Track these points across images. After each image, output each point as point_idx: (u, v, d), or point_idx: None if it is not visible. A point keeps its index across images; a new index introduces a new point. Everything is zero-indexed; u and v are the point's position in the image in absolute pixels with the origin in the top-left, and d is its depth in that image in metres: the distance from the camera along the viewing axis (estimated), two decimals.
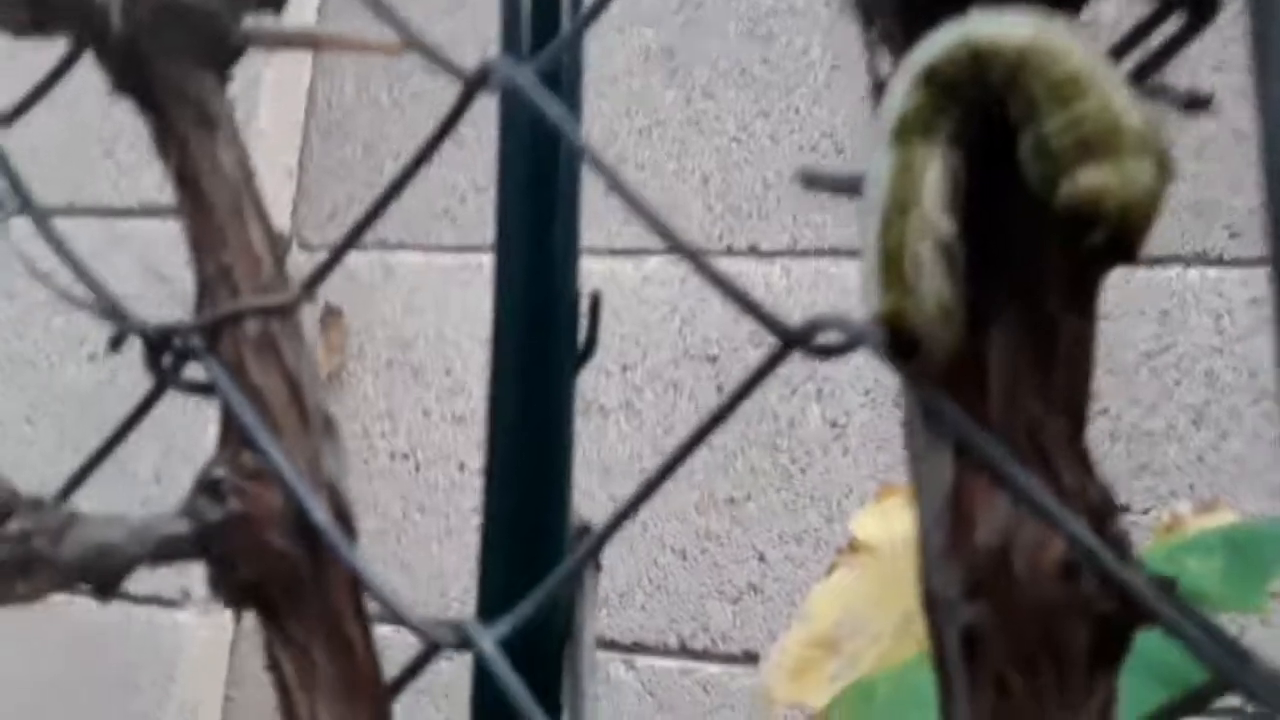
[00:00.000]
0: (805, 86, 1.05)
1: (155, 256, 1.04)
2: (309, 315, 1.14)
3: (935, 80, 0.21)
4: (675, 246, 0.26)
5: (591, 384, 1.06)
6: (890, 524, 0.66)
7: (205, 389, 0.28)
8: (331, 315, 1.11)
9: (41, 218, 0.29)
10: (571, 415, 0.37)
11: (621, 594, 1.00)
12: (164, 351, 0.28)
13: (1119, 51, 0.24)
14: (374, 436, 1.08)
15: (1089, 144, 0.19)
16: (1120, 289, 0.94)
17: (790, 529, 0.99)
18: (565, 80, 0.38)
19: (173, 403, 0.30)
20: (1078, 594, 0.20)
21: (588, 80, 1.24)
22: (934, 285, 0.21)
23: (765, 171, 1.05)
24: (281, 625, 0.26)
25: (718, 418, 0.26)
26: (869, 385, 1.00)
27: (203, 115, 0.28)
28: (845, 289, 1.02)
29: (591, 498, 1.03)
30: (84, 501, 0.29)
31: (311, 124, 1.15)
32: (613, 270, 1.06)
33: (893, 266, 0.21)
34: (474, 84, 0.28)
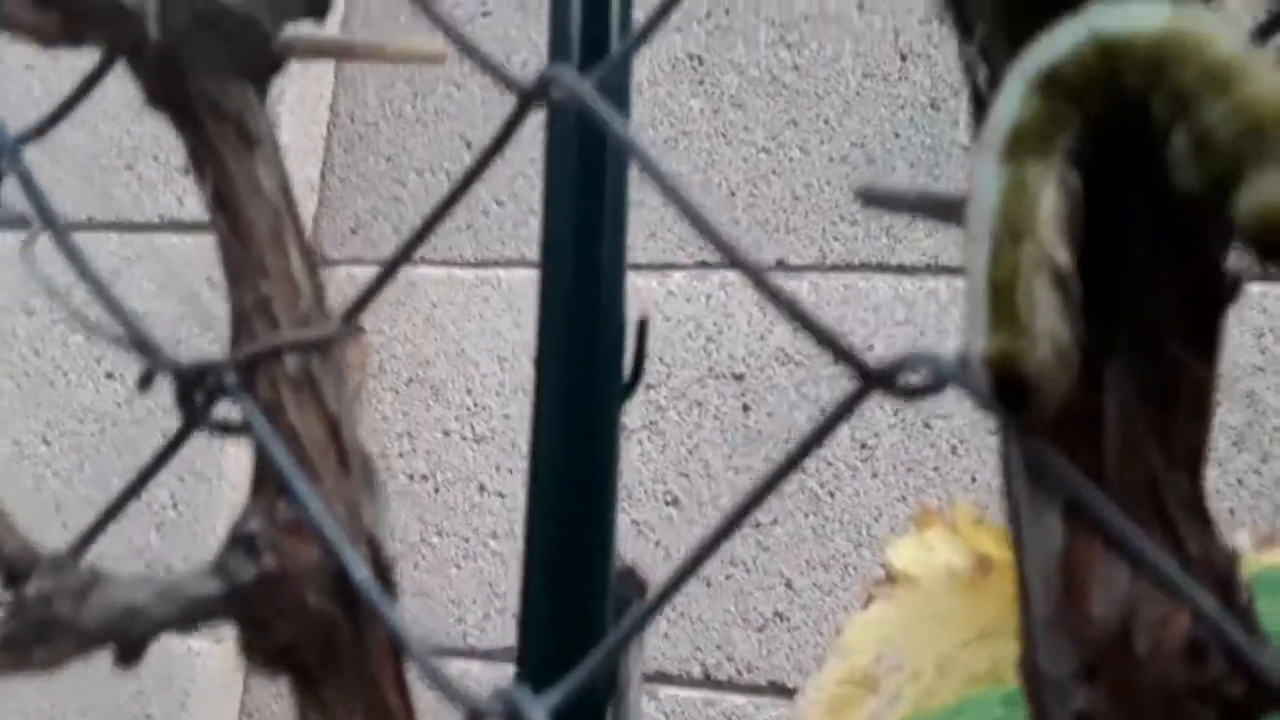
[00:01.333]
0: (836, 95, 1.03)
1: (176, 271, 1.02)
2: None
3: (1056, 86, 0.18)
4: (753, 276, 0.24)
5: None
6: (930, 554, 0.63)
7: (238, 429, 0.26)
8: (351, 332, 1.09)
9: (70, 246, 0.27)
10: (617, 447, 0.35)
11: None
12: (196, 388, 0.26)
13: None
14: (392, 457, 1.07)
15: (1263, 133, 0.16)
16: None
17: (818, 555, 0.97)
18: (613, 98, 0.36)
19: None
20: (1206, 676, 0.18)
21: None
22: (1050, 325, 0.18)
23: (794, 183, 1.04)
24: (317, 693, 0.24)
25: (784, 470, 0.24)
26: (898, 404, 0.97)
27: (243, 132, 0.26)
28: (875, 305, 1.00)
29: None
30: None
31: (334, 137, 1.14)
32: (635, 285, 1.04)
33: (1003, 302, 0.19)
34: (531, 95, 0.26)
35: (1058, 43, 0.18)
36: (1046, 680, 0.19)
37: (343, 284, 1.12)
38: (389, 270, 0.27)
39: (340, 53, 0.32)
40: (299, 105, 1.09)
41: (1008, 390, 0.19)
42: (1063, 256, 0.18)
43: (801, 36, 1.03)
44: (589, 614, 0.31)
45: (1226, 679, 0.18)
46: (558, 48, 0.37)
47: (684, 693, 0.97)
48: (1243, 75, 0.17)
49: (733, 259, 0.24)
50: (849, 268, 1.01)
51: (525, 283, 1.10)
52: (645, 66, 1.08)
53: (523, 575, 0.33)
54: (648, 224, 1.06)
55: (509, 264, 1.09)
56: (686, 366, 1.03)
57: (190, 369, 0.25)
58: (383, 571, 0.25)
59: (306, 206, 1.12)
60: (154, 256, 1.07)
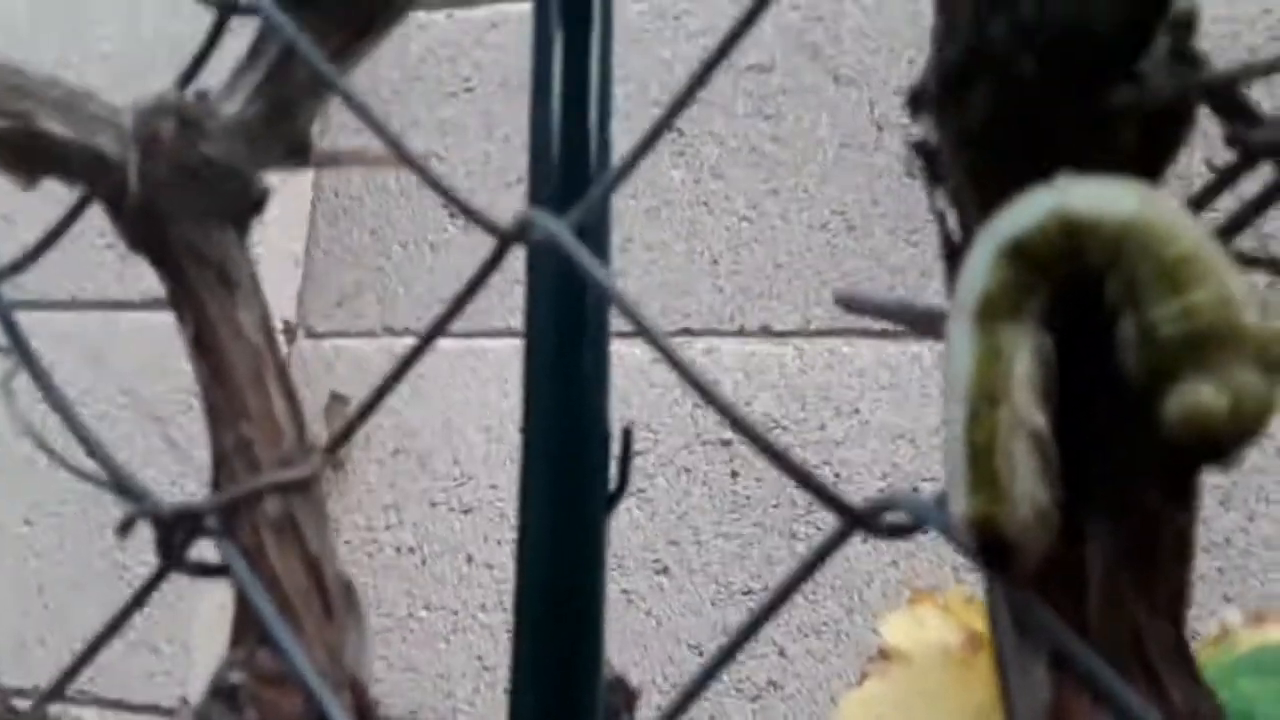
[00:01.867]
0: (814, 164, 1.04)
1: (160, 350, 1.02)
2: (314, 405, 1.12)
3: (1023, 256, 0.19)
4: (735, 422, 0.24)
5: None
6: (923, 630, 0.63)
7: (217, 571, 0.26)
8: (337, 404, 1.09)
9: (47, 383, 0.27)
10: (604, 560, 0.35)
11: None
12: (176, 531, 0.26)
13: (1196, 206, 0.22)
14: (378, 530, 1.06)
15: (1202, 342, 0.17)
16: None
17: (810, 620, 0.96)
18: (591, 225, 0.37)
19: None
20: None
21: None
22: (1028, 488, 0.19)
23: (776, 251, 1.05)
24: None
25: (777, 602, 0.24)
26: (886, 469, 0.97)
27: (224, 276, 0.27)
28: (859, 370, 1.00)
29: None
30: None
31: (318, 210, 1.14)
32: (620, 353, 1.05)
33: (982, 466, 0.19)
34: (510, 238, 0.27)
35: (1025, 213, 0.19)
36: None
37: (328, 357, 1.12)
38: (378, 395, 0.27)
39: (323, 162, 0.32)
40: (282, 181, 1.10)
41: (990, 550, 0.19)
42: (1038, 420, 0.19)
43: (779, 108, 1.05)
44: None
45: None
46: (537, 185, 0.37)
47: None
48: (1195, 278, 0.17)
49: (705, 395, 0.24)
50: (832, 333, 1.02)
51: (512, 352, 1.10)
52: (628, 139, 1.10)
53: (511, 687, 0.33)
54: (631, 292, 1.06)
55: (495, 334, 1.09)
56: (673, 433, 1.03)
57: (170, 514, 0.25)
58: (365, 714, 0.24)
59: (291, 280, 1.12)
60: (137, 335, 1.07)
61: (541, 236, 0.26)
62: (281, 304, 1.11)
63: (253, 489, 0.25)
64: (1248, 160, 0.22)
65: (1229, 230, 0.21)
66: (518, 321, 0.46)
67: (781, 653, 0.95)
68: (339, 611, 0.25)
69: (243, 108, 0.27)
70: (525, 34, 0.40)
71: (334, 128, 1.13)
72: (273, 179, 1.07)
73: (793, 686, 0.94)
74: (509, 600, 0.38)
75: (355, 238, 1.13)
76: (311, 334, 1.11)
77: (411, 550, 1.06)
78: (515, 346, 0.65)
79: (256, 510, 0.25)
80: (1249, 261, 0.22)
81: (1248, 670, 0.47)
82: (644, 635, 0.98)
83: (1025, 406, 0.19)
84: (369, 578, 1.05)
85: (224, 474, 0.26)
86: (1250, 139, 0.21)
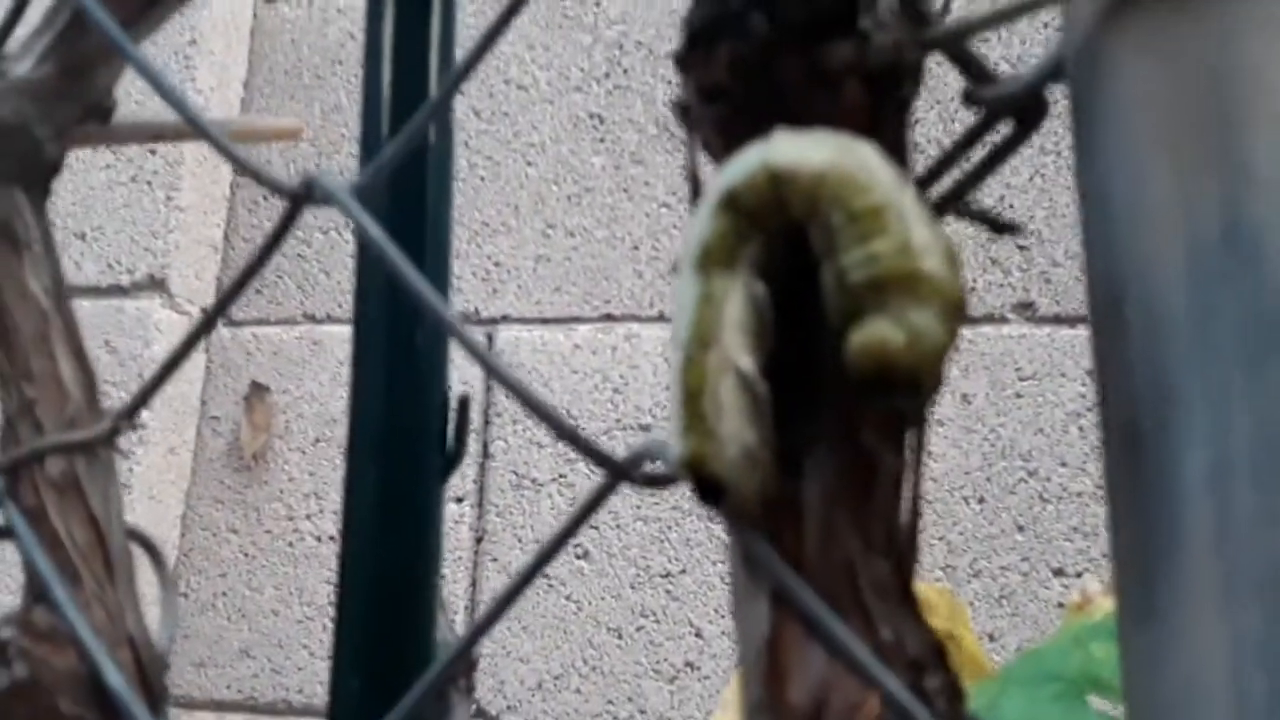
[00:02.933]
0: None
1: None
2: (234, 393, 1.11)
3: (737, 207, 0.20)
4: (492, 371, 0.25)
5: (524, 457, 1.04)
6: None
7: (5, 534, 0.26)
8: (257, 393, 1.08)
9: None
10: (439, 529, 0.35)
11: (557, 677, 0.97)
12: None
13: (943, 164, 0.23)
14: (299, 518, 1.05)
15: (882, 286, 0.18)
16: (1045, 348, 0.95)
17: (727, 602, 0.97)
18: (433, 162, 0.37)
19: None
20: None
21: (517, 148, 1.23)
22: (735, 428, 0.19)
23: None
24: None
25: (551, 550, 0.25)
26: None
27: (9, 236, 0.27)
28: None
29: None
30: None
31: (237, 197, 1.14)
32: (544, 339, 1.05)
33: (693, 408, 0.19)
34: (299, 198, 0.27)
35: (739, 166, 0.20)
36: None
37: (247, 344, 1.11)
38: (172, 363, 0.27)
39: (140, 136, 0.32)
40: (200, 166, 1.09)
41: (704, 488, 0.20)
42: (746, 363, 0.19)
43: None
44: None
45: None
46: (368, 152, 0.38)
47: None
48: (880, 228, 0.18)
49: (475, 353, 0.25)
50: None
51: None
52: (548, 125, 1.10)
53: (332, 665, 0.33)
54: (553, 279, 1.07)
55: None
56: (594, 419, 1.03)
57: None
58: (145, 674, 0.25)
59: (210, 266, 1.11)
60: None
61: (326, 199, 0.26)
62: (200, 291, 1.10)
63: (34, 451, 0.25)
64: (992, 117, 0.23)
65: (944, 164, 0.22)
66: None
67: (698, 634, 0.96)
68: (121, 571, 0.26)
69: (33, 68, 0.27)
70: None
71: (256, 105, 1.12)
72: (194, 167, 1.06)
73: (709, 667, 0.95)
74: None
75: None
76: (231, 322, 1.10)
77: (333, 539, 1.05)
78: None
79: (38, 472, 0.25)
80: (975, 217, 0.23)
81: (1102, 635, 0.48)
82: (564, 619, 0.99)
83: (734, 350, 0.19)
84: (290, 566, 1.05)
85: (8, 436, 0.26)
86: (982, 96, 0.22)
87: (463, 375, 0.98)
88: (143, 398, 0.29)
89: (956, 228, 0.22)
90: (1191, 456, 0.16)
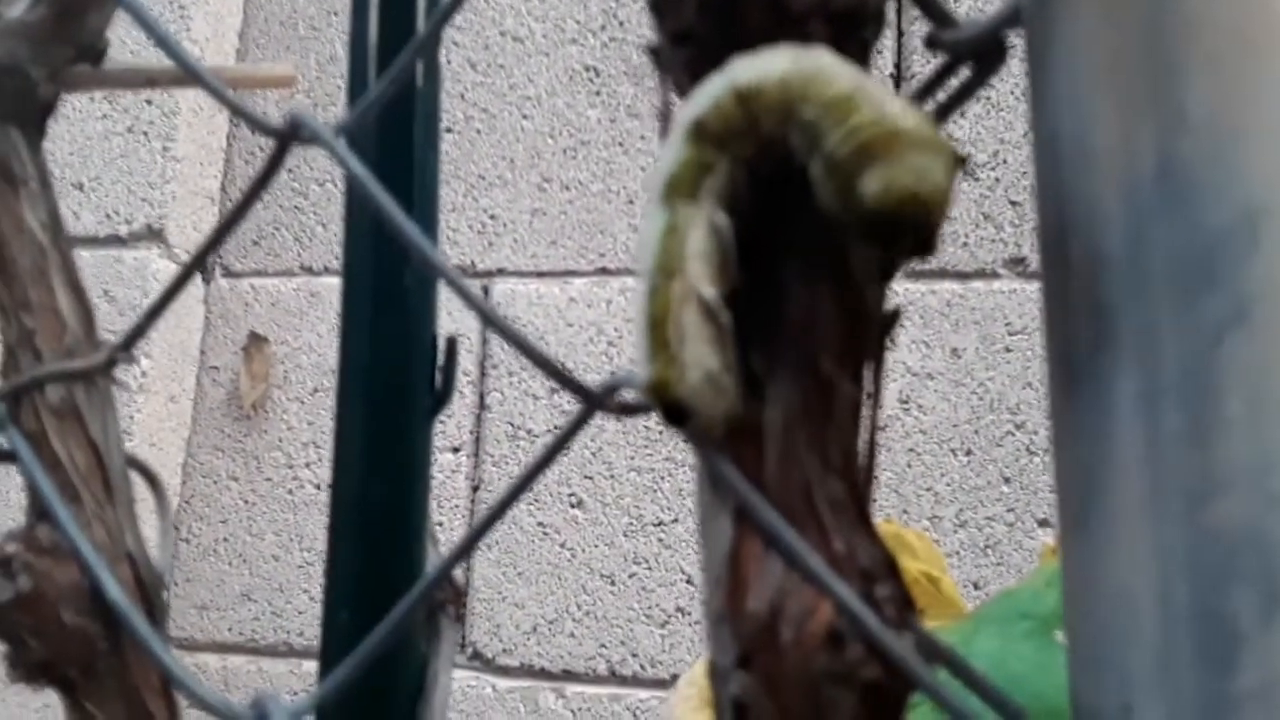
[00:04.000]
0: None
1: None
2: (233, 344, 1.12)
3: (703, 134, 0.20)
4: (478, 309, 0.26)
5: (520, 408, 1.05)
6: None
7: (6, 456, 0.27)
8: (255, 343, 1.09)
9: None
10: (427, 468, 0.36)
11: (551, 622, 1.00)
12: None
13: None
14: (298, 467, 1.07)
15: (870, 150, 0.19)
16: (1036, 303, 0.96)
17: None
18: (421, 106, 0.38)
19: None
20: (844, 662, 0.20)
21: (513, 100, 1.22)
22: (698, 354, 0.20)
23: None
24: (79, 702, 0.25)
25: (528, 478, 0.26)
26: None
27: (5, 173, 0.27)
28: None
29: (519, 525, 1.02)
30: None
31: (233, 149, 1.14)
32: (539, 292, 1.06)
33: (658, 335, 0.21)
34: (286, 136, 0.28)
35: (704, 94, 0.20)
36: (715, 671, 0.21)
37: (245, 296, 1.12)
38: (161, 303, 0.28)
39: (134, 82, 0.33)
40: (196, 117, 1.09)
41: (669, 412, 0.21)
42: (709, 291, 0.20)
43: None
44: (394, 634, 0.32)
45: (863, 664, 0.20)
46: (354, 95, 0.38)
47: (590, 690, 0.98)
48: (854, 106, 0.19)
49: (462, 293, 0.26)
50: None
51: None
52: (543, 77, 1.10)
53: (324, 598, 0.34)
54: (549, 232, 1.07)
55: None
56: (589, 371, 1.04)
57: None
58: (144, 588, 0.26)
59: (207, 218, 1.12)
60: None
61: (312, 139, 0.27)
62: (197, 241, 1.11)
63: (34, 378, 0.26)
64: (956, 62, 0.24)
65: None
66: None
67: (689, 580, 0.98)
68: (120, 494, 0.27)
69: (27, 10, 0.28)
70: None
71: (252, 52, 1.12)
72: (190, 118, 1.06)
73: (699, 613, 0.97)
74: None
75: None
76: (229, 273, 1.11)
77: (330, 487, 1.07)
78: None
79: (38, 399, 0.26)
80: None
81: (1054, 583, 0.49)
82: (559, 566, 1.01)
83: (697, 278, 0.20)
84: (289, 513, 1.07)
85: (10, 364, 0.27)
86: (943, 40, 0.23)
87: (460, 328, 0.99)
88: (140, 329, 0.30)
89: None
90: (1124, 382, 0.17)
